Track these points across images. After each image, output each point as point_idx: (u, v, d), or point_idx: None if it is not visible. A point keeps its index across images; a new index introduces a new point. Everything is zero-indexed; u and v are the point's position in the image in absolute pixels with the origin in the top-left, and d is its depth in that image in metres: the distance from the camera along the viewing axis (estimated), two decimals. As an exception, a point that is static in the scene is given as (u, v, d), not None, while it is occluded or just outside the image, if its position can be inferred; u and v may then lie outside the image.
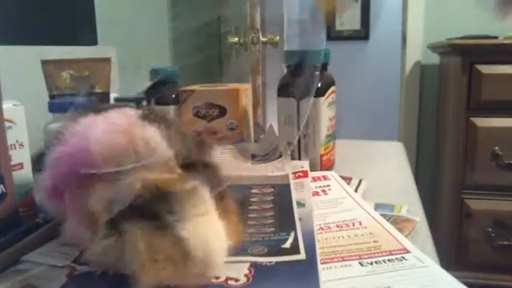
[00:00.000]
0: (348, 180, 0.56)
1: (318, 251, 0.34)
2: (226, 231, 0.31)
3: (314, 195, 0.49)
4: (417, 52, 1.93)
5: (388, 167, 0.70)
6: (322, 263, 0.33)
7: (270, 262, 0.33)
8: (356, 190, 0.53)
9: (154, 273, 0.27)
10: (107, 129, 0.33)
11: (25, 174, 0.47)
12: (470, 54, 1.44)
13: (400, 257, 0.34)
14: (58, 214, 0.34)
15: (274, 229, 0.39)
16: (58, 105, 0.54)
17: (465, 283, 0.30)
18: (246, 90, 0.69)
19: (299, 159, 0.61)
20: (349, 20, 3.30)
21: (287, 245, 0.35)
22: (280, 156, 0.60)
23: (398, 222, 0.43)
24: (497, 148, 1.42)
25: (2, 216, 0.40)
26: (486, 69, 1.42)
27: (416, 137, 1.99)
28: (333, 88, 0.62)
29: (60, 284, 0.33)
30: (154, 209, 0.28)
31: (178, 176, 0.32)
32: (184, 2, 1.59)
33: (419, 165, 2.00)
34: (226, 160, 0.61)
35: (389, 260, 0.34)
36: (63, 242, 0.39)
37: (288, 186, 0.50)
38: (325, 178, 0.56)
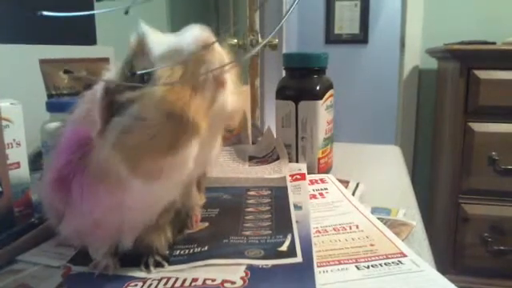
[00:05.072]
0: (345, 183, 0.56)
1: (314, 254, 0.34)
2: None
3: (311, 198, 0.49)
4: (415, 56, 1.93)
5: (385, 171, 0.70)
6: (318, 266, 0.33)
7: (266, 265, 0.33)
8: (353, 194, 0.53)
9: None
10: None
11: (21, 173, 0.47)
12: (468, 59, 1.45)
13: (396, 261, 0.34)
14: (56, 212, 0.34)
15: (270, 231, 0.39)
16: (56, 104, 0.54)
17: (461, 288, 0.30)
18: (244, 92, 0.69)
19: (297, 162, 0.61)
20: (348, 24, 3.31)
21: (284, 248, 0.35)
22: (277, 158, 0.60)
23: (395, 226, 0.43)
24: (494, 153, 1.43)
25: (-3, 215, 0.40)
26: (483, 74, 1.43)
27: (413, 141, 1.99)
28: (331, 91, 0.62)
29: (55, 284, 0.32)
30: None
31: None
32: (182, 2, 1.59)
33: (416, 169, 2.00)
34: (224, 162, 0.61)
35: (385, 264, 0.34)
36: (59, 242, 0.39)
37: (285, 188, 0.50)
38: (322, 181, 0.56)
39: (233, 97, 0.31)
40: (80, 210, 0.31)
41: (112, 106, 0.29)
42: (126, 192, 0.29)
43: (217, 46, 0.30)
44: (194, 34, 0.30)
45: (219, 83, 0.30)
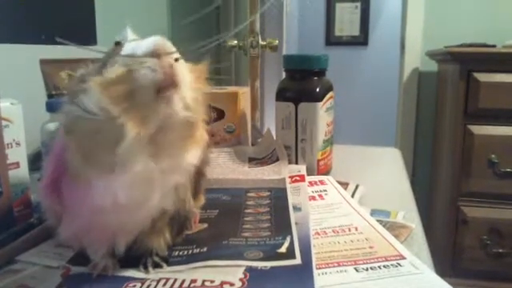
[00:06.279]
0: (345, 185, 0.56)
1: (313, 256, 0.34)
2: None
3: (310, 200, 0.49)
4: (415, 59, 1.93)
5: (385, 173, 0.70)
6: (317, 268, 0.33)
7: (265, 267, 0.33)
8: (352, 196, 0.53)
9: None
10: None
11: (21, 173, 0.47)
12: (468, 61, 1.45)
13: (395, 263, 0.34)
14: (55, 215, 0.34)
15: (269, 233, 0.39)
16: (56, 104, 0.54)
17: (460, 291, 0.30)
18: (244, 94, 0.69)
19: (296, 163, 0.61)
20: (348, 26, 3.31)
21: (283, 249, 0.35)
22: (277, 160, 0.60)
23: (394, 229, 0.43)
24: (493, 156, 1.43)
25: (-4, 215, 0.40)
26: (483, 77, 1.43)
27: (413, 143, 1.99)
28: (331, 93, 0.62)
29: (54, 284, 0.32)
30: None
31: None
32: (183, 2, 1.59)
33: (416, 171, 2.00)
34: (223, 163, 0.61)
35: (384, 266, 0.34)
36: (58, 242, 0.39)
37: (284, 189, 0.50)
38: (321, 182, 0.56)
39: (188, 110, 0.31)
40: (73, 212, 0.32)
41: None
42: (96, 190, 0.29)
43: (171, 57, 0.30)
44: (147, 41, 0.30)
45: (160, 90, 0.29)
